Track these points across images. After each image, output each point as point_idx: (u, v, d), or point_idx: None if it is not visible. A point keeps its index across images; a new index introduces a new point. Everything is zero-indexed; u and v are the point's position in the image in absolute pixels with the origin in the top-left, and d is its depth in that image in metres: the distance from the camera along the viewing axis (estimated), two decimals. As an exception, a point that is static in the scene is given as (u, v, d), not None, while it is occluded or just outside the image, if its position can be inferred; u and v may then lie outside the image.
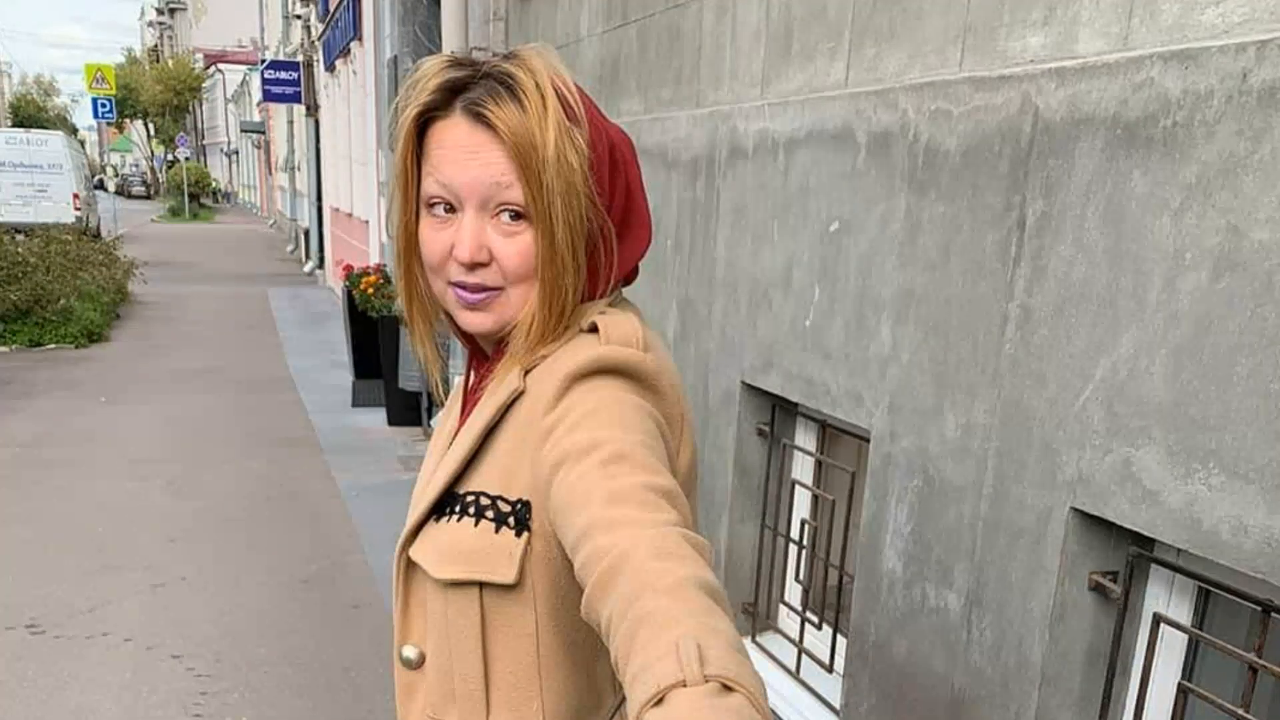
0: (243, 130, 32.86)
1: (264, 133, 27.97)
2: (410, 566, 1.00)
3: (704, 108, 2.97)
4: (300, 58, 15.74)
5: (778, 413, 2.78)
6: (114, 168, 60.67)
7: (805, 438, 2.75)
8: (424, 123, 0.93)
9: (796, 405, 2.66)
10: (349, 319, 7.36)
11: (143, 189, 46.62)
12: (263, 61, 18.21)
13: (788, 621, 2.87)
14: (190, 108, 45.74)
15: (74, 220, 16.73)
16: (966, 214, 1.86)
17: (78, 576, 4.15)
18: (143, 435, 6.38)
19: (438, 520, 0.97)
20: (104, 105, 20.03)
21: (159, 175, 46.33)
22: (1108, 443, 1.54)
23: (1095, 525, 1.63)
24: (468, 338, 1.02)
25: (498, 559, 0.92)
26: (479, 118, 0.90)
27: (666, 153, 3.19)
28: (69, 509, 4.95)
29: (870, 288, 2.17)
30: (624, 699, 0.67)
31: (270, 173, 29.00)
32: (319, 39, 14.32)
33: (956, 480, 1.91)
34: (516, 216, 0.91)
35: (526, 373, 0.95)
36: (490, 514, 0.93)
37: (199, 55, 43.83)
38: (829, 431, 2.62)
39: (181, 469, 5.66)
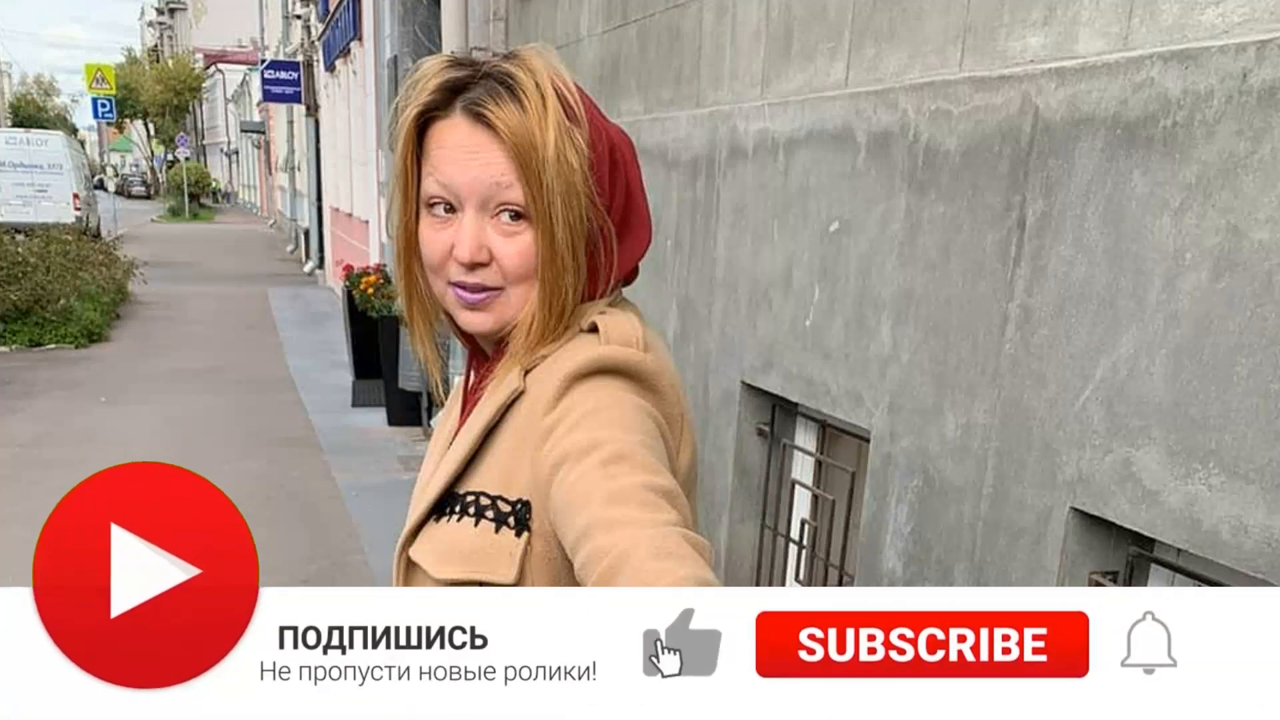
0: (243, 130, 32.87)
1: (264, 133, 27.96)
2: (410, 566, 1.00)
3: (704, 108, 2.97)
4: (300, 58, 15.74)
5: (778, 413, 2.78)
6: (114, 168, 60.62)
7: (805, 438, 2.75)
8: (424, 123, 0.93)
9: (796, 405, 2.66)
10: (349, 319, 7.36)
11: (143, 189, 46.52)
12: (263, 61, 18.21)
13: (788, 621, 2.86)
14: (190, 108, 45.71)
15: (74, 220, 16.69)
16: (966, 214, 1.86)
17: (78, 576, 4.15)
18: (143, 435, 6.37)
19: (438, 520, 0.97)
20: (104, 105, 20.04)
21: (159, 175, 46.27)
22: (1108, 443, 1.54)
23: (1095, 525, 1.62)
24: (468, 338, 1.02)
25: (498, 559, 0.92)
26: (479, 118, 0.90)
27: (666, 153, 3.19)
28: (69, 509, 4.95)
29: (870, 288, 2.17)
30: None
31: (270, 173, 28.99)
32: (319, 39, 14.32)
33: (956, 480, 1.91)
34: (516, 216, 0.91)
35: (526, 373, 0.95)
36: (490, 514, 0.93)
37: (199, 55, 43.77)
38: (829, 431, 2.62)
39: (181, 469, 5.65)
